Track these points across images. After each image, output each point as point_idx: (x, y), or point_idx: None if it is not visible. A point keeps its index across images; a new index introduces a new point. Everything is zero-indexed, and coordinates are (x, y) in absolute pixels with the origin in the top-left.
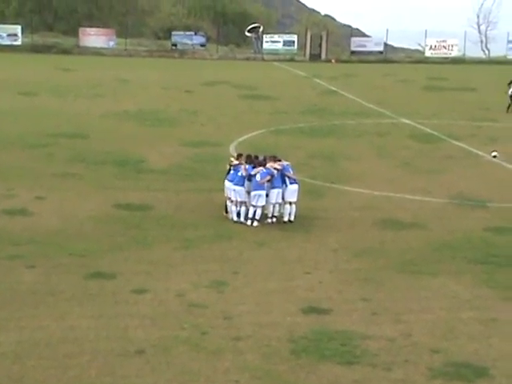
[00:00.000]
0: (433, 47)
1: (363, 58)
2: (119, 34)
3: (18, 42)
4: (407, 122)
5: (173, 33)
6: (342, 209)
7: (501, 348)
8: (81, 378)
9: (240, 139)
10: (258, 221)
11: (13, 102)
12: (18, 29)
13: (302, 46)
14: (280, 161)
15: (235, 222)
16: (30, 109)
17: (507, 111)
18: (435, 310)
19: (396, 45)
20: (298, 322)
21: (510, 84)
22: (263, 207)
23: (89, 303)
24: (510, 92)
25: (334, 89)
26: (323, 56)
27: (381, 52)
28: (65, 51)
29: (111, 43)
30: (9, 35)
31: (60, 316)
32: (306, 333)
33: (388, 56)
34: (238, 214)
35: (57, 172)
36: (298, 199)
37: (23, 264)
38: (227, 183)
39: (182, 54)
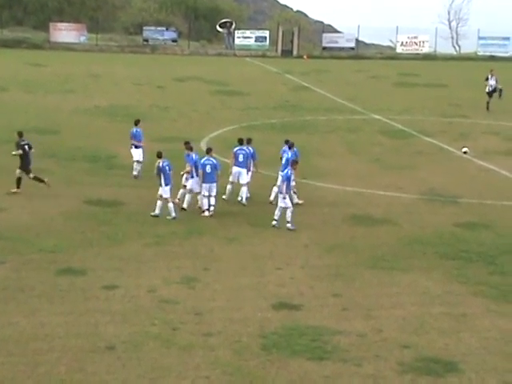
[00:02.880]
0: (404, 43)
1: (335, 54)
2: (90, 29)
3: None
4: (378, 117)
5: (144, 28)
6: (313, 204)
7: (470, 343)
8: (51, 374)
9: (212, 135)
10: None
11: None
12: None
13: (273, 42)
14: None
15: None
16: None
17: (487, 109)
18: (406, 305)
19: (368, 41)
20: (268, 318)
21: (486, 80)
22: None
23: (59, 299)
24: (487, 89)
25: (305, 85)
26: (295, 52)
27: (352, 48)
28: (35, 46)
29: (82, 38)
30: None
31: (30, 312)
32: (276, 328)
33: (360, 52)
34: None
35: None
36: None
37: None
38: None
39: (154, 49)
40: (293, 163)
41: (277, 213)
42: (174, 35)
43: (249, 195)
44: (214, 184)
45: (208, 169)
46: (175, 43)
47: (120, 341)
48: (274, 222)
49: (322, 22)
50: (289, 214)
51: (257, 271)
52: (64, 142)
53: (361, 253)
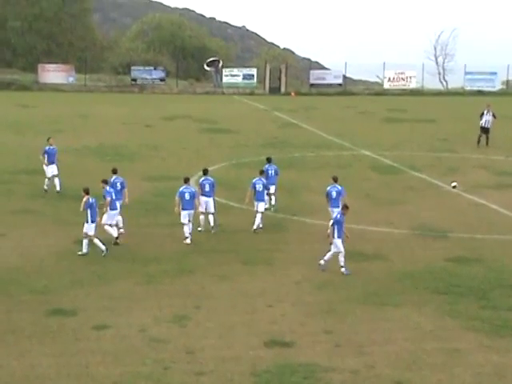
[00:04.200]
0: (391, 79)
1: (323, 90)
2: (78, 70)
3: None
4: (368, 153)
5: (132, 68)
6: (304, 241)
7: (464, 378)
8: None
9: (201, 173)
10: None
11: None
12: None
13: (261, 80)
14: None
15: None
16: None
17: (478, 144)
18: (398, 341)
19: (355, 77)
20: (260, 356)
21: (482, 115)
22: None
23: (50, 340)
24: (481, 123)
25: (294, 121)
26: (283, 89)
27: (340, 84)
28: (24, 87)
29: (71, 79)
30: None
31: (20, 354)
32: (268, 366)
33: (347, 88)
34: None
35: (16, 208)
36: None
37: None
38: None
39: (142, 88)
40: (343, 208)
41: (328, 256)
42: (162, 74)
43: (260, 226)
44: (192, 211)
45: (187, 196)
46: (163, 82)
47: (111, 381)
48: (322, 262)
49: (309, 59)
50: (341, 258)
51: (248, 309)
52: (54, 182)
53: (352, 289)
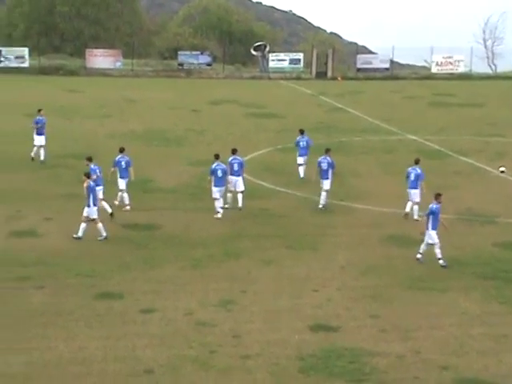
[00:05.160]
0: (439, 63)
1: (369, 75)
2: (126, 55)
3: (26, 65)
4: (414, 138)
5: (179, 52)
6: (349, 226)
7: (511, 364)
8: None
9: (247, 158)
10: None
11: (20, 124)
12: (25, 51)
13: (308, 64)
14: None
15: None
16: None
17: None
18: (444, 326)
19: (402, 61)
20: (306, 340)
21: None
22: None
23: (97, 324)
24: None
25: (340, 106)
26: (329, 74)
27: (387, 69)
28: (72, 72)
29: (118, 64)
30: (16, 57)
31: (69, 337)
32: (314, 350)
33: (394, 73)
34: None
35: (64, 193)
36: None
37: (32, 285)
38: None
39: (189, 73)
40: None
41: (422, 247)
42: (208, 59)
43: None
44: (224, 188)
45: (219, 173)
46: (210, 67)
47: (158, 364)
48: (419, 256)
49: (355, 44)
50: (437, 250)
51: (294, 293)
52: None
53: (398, 274)
